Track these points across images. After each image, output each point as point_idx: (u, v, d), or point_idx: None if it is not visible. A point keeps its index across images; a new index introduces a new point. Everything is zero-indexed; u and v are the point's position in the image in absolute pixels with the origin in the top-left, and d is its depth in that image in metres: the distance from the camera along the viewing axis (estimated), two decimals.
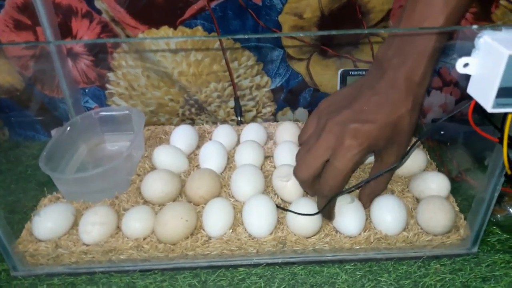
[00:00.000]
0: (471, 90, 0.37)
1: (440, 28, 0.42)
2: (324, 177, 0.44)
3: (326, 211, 0.47)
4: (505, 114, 0.38)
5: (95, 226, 0.47)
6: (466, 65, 0.36)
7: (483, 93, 0.35)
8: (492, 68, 0.34)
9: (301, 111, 0.73)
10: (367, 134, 0.42)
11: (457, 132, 0.53)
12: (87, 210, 0.50)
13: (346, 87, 0.50)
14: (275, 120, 0.73)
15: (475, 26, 0.36)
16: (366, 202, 0.50)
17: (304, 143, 0.49)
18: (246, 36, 0.66)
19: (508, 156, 0.40)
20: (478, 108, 0.37)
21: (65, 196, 0.54)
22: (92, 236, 0.47)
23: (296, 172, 0.47)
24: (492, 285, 0.45)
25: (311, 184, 0.47)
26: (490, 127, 0.40)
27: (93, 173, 0.51)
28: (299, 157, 0.48)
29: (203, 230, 0.48)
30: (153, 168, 0.57)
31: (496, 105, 0.35)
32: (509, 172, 0.41)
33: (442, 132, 0.43)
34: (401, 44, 0.45)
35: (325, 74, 0.69)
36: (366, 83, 0.46)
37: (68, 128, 0.61)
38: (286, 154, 0.57)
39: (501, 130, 0.39)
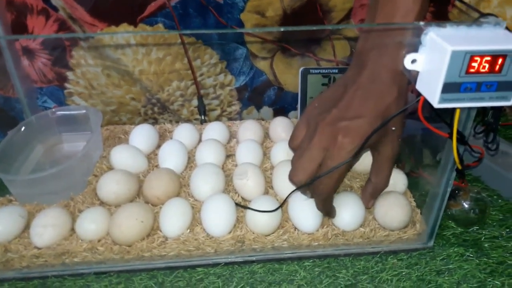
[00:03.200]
0: (419, 86, 0.38)
1: (390, 24, 0.43)
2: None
3: (325, 211, 0.47)
4: (454, 109, 0.38)
5: (47, 228, 0.46)
6: (414, 61, 0.37)
7: (430, 88, 0.36)
8: (437, 64, 0.34)
9: (266, 110, 0.73)
10: (358, 130, 0.42)
11: (414, 128, 0.53)
12: (39, 212, 0.48)
13: (331, 87, 0.48)
14: (241, 119, 0.73)
15: (422, 23, 0.36)
16: (369, 201, 0.49)
17: (297, 148, 0.47)
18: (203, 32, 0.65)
19: (458, 151, 0.41)
20: (428, 104, 0.37)
21: (18, 199, 0.52)
22: (43, 239, 0.46)
23: (292, 177, 0.46)
24: (446, 277, 0.45)
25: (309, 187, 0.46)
26: None
27: (46, 174, 0.49)
28: (293, 161, 0.47)
29: (160, 231, 0.47)
30: (110, 168, 0.56)
31: (442, 100, 0.35)
32: (459, 167, 0.42)
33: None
34: (378, 35, 0.44)
35: (289, 73, 0.69)
36: (349, 79, 0.45)
37: (23, 128, 0.59)
38: (247, 153, 0.57)
39: (451, 125, 0.39)
